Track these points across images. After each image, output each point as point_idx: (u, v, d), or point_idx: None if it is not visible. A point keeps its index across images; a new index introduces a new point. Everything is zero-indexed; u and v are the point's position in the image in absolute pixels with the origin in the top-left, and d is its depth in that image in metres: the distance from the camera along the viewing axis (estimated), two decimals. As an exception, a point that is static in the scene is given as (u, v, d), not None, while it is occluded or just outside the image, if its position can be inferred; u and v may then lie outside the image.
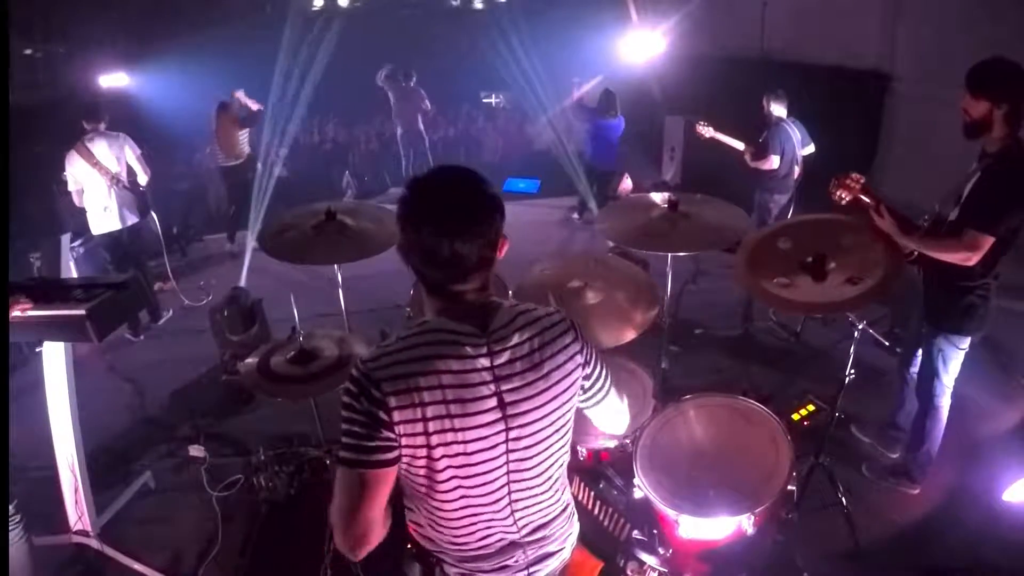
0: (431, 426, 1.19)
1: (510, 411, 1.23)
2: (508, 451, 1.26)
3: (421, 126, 8.50)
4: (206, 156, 7.77)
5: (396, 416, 1.17)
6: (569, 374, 1.30)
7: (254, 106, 6.52)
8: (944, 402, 2.85)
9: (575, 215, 7.42)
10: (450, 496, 1.28)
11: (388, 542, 1.30)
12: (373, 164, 9.79)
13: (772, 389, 3.81)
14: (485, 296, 1.26)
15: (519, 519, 1.35)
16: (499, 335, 1.23)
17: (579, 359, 1.32)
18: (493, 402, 1.22)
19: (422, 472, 1.26)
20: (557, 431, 1.32)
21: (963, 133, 2.46)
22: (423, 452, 1.21)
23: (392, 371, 1.18)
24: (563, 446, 1.36)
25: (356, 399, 1.18)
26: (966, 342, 2.72)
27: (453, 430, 1.20)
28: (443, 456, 1.22)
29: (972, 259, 2.41)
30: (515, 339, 1.24)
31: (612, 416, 1.52)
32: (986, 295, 2.59)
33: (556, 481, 1.40)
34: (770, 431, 2.19)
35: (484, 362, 1.21)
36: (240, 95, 6.51)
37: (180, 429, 3.78)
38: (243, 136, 6.59)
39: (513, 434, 1.25)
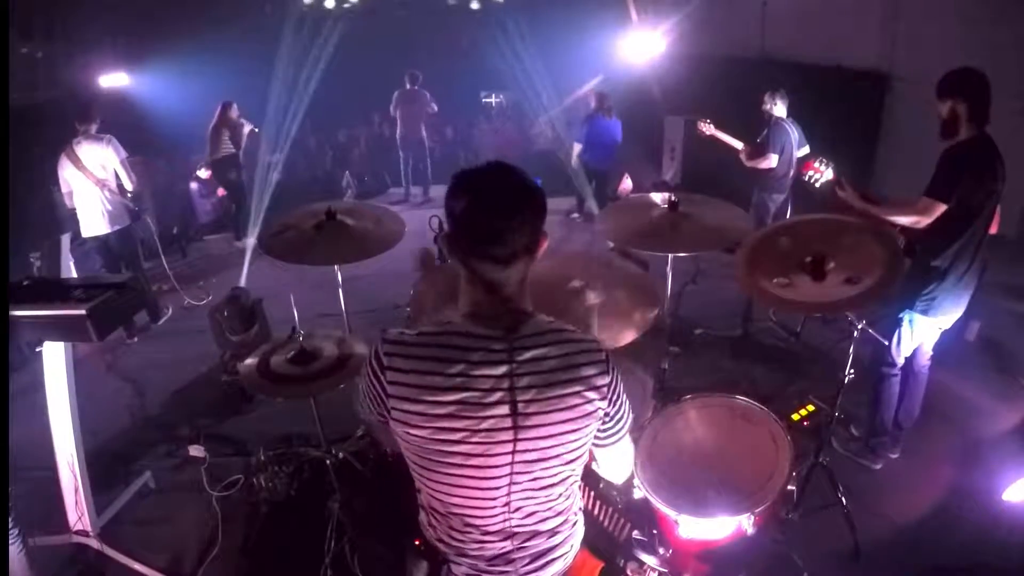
0: (426, 421, 1.21)
1: (522, 421, 1.22)
2: (513, 461, 1.25)
3: (424, 133, 8.21)
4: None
5: (392, 403, 1.23)
6: (587, 402, 1.26)
7: (247, 128, 6.86)
8: (892, 374, 3.05)
9: (575, 215, 7.43)
10: (446, 490, 1.29)
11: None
12: (373, 164, 9.79)
13: (772, 389, 3.81)
14: (520, 303, 1.26)
15: (517, 524, 1.34)
16: (524, 343, 1.23)
17: (605, 391, 1.28)
18: (505, 409, 1.21)
19: (418, 460, 1.28)
20: (568, 452, 1.29)
21: (940, 135, 2.73)
22: (418, 441, 1.24)
23: (398, 363, 1.22)
24: (574, 468, 1.34)
25: (370, 368, 1.26)
26: (918, 321, 2.88)
27: (452, 430, 1.21)
28: (438, 450, 1.23)
29: (922, 222, 2.69)
30: (540, 351, 1.23)
31: (616, 464, 1.49)
32: (940, 278, 2.77)
33: (562, 497, 1.37)
34: (770, 431, 2.19)
35: (502, 368, 1.20)
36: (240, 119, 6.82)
37: (180, 429, 3.78)
38: (226, 136, 6.75)
39: (521, 445, 1.24)
